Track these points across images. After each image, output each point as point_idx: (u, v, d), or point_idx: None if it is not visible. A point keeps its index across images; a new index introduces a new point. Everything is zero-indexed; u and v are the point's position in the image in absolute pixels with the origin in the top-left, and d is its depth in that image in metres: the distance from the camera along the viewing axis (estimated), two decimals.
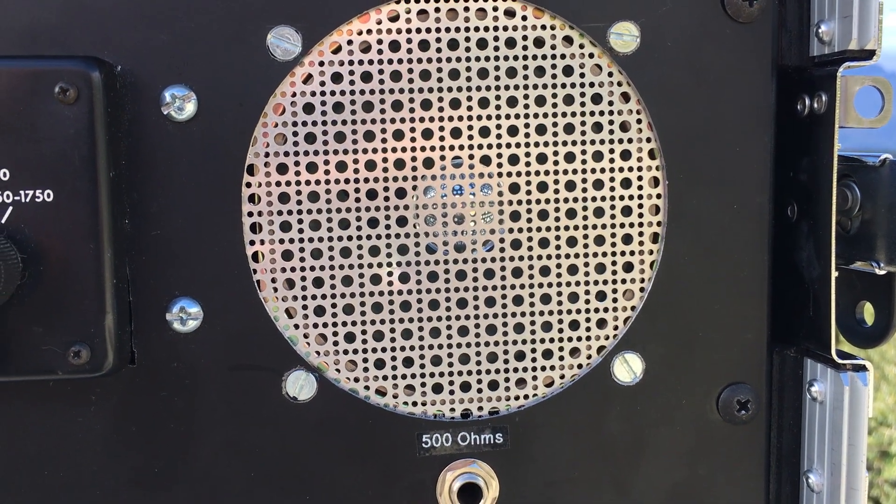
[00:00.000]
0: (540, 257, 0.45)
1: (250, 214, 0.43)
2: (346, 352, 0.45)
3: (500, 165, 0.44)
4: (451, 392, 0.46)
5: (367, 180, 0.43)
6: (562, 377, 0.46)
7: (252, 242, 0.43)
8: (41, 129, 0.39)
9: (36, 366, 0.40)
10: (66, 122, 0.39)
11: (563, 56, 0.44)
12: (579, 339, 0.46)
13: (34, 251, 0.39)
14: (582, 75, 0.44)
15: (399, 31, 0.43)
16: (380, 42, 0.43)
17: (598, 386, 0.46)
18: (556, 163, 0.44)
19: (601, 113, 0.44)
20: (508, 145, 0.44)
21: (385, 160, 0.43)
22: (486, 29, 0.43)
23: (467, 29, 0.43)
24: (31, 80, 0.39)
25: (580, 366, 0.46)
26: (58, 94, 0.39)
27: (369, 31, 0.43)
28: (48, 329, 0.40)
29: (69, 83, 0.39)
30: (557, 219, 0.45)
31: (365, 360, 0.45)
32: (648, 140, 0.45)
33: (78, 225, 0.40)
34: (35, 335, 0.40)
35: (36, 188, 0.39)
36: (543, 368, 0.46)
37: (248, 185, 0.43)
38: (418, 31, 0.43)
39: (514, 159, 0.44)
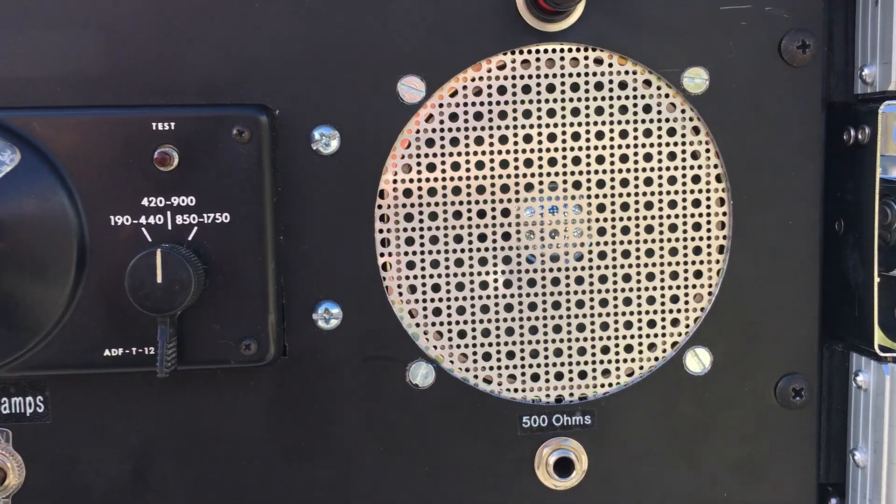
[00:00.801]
0: (622, 266, 0.53)
1: (381, 231, 0.52)
2: (458, 346, 0.53)
3: (589, 189, 0.52)
4: (547, 380, 0.54)
5: (477, 202, 0.52)
6: (641, 368, 0.54)
7: (382, 255, 0.52)
8: (221, 164, 0.48)
9: (215, 356, 0.49)
10: (241, 157, 0.48)
11: (643, 96, 0.52)
12: (656, 335, 0.54)
13: (214, 263, 0.48)
14: (659, 112, 0.52)
15: (505, 78, 0.51)
16: (489, 87, 0.51)
17: (672, 376, 0.54)
18: (636, 186, 0.52)
19: (675, 144, 0.52)
20: (596, 171, 0.52)
21: (493, 185, 0.52)
22: (579, 74, 0.51)
23: (563, 75, 0.51)
24: (214, 124, 0.48)
25: (656, 358, 0.54)
26: (235, 136, 0.48)
27: (481, 78, 0.51)
28: (224, 326, 0.49)
29: (244, 126, 0.48)
30: (637, 234, 0.53)
31: (474, 354, 0.53)
32: (716, 167, 0.52)
33: (249, 241, 0.49)
34: (214, 331, 0.49)
35: (216, 212, 0.48)
36: (625, 361, 0.54)
37: (379, 206, 0.51)
38: (521, 77, 0.51)
39: (601, 183, 0.52)
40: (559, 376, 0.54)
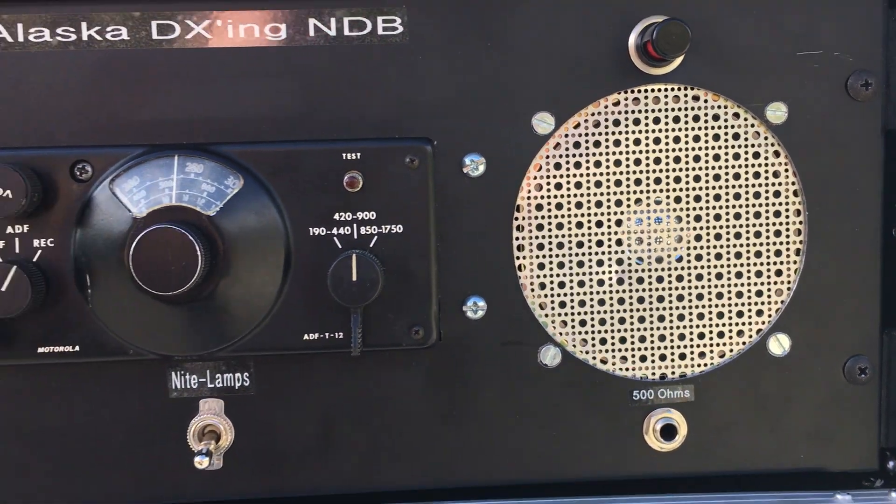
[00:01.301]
0: (715, 266, 0.64)
1: (517, 239, 0.63)
2: (579, 333, 0.64)
3: (687, 203, 0.63)
4: (653, 361, 0.65)
5: (595, 214, 0.63)
6: (731, 351, 0.65)
7: (518, 258, 0.63)
8: (396, 186, 0.60)
9: (390, 340, 0.61)
10: (412, 180, 0.60)
11: (732, 126, 0.63)
12: (743, 324, 0.65)
13: (389, 265, 0.60)
14: (746, 139, 0.63)
15: (619, 112, 0.62)
16: (606, 120, 0.62)
17: (757, 357, 0.65)
18: (727, 200, 0.63)
19: (759, 165, 0.63)
20: (693, 188, 0.63)
21: (608, 200, 0.63)
22: (680, 109, 0.63)
23: (666, 110, 0.62)
24: (391, 154, 0.60)
25: (744, 343, 0.65)
26: (407, 163, 0.60)
27: (599, 113, 0.62)
28: (398, 315, 0.61)
29: (414, 155, 0.60)
30: (728, 239, 0.64)
31: (593, 339, 0.64)
32: (793, 184, 0.63)
33: (417, 247, 0.60)
34: (390, 320, 0.61)
35: (392, 224, 0.60)
36: (718, 345, 0.65)
37: (516, 218, 0.63)
38: (632, 112, 0.62)
39: (697, 198, 0.63)
40: (663, 357, 0.65)
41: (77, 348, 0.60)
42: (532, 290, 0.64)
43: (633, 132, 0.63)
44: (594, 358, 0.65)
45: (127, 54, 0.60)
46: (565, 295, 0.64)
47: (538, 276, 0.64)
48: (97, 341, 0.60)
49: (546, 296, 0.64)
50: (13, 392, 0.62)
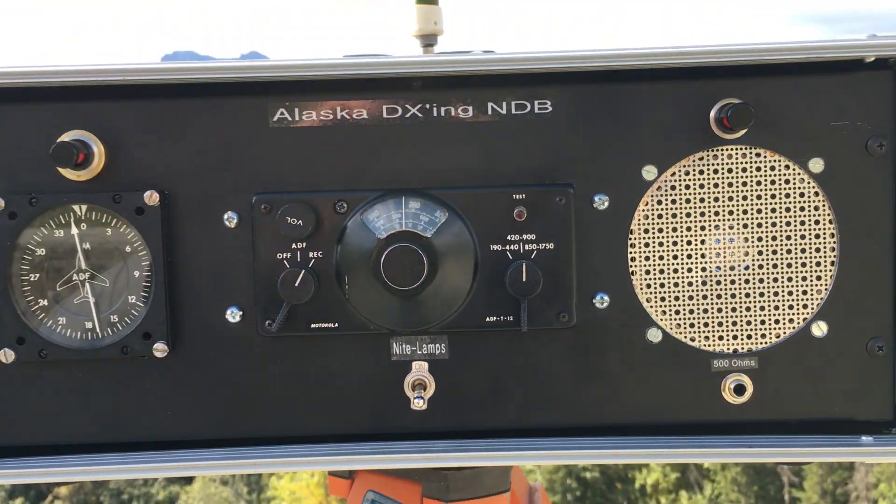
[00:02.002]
0: (771, 273, 0.90)
1: (630, 252, 0.90)
2: (675, 319, 0.91)
3: (752, 228, 0.90)
4: (728, 339, 0.91)
5: (686, 236, 0.90)
6: (784, 333, 0.91)
7: (630, 266, 0.90)
8: (549, 216, 0.88)
9: (545, 322, 0.89)
10: (560, 213, 0.88)
11: (784, 174, 0.89)
12: (793, 313, 0.91)
13: (545, 270, 0.88)
14: (794, 184, 0.89)
15: (703, 164, 0.89)
16: (693, 170, 0.89)
17: (803, 338, 0.90)
18: (780, 226, 0.89)
19: (804, 201, 0.89)
20: (756, 218, 0.89)
21: (696, 225, 0.90)
22: (747, 162, 0.89)
23: (737, 162, 0.89)
24: (546, 195, 0.88)
25: (794, 327, 0.91)
26: (557, 201, 0.88)
27: (689, 165, 0.89)
28: (550, 305, 0.89)
29: (561, 196, 0.88)
30: (781, 254, 0.90)
31: (685, 323, 0.91)
32: (829, 215, 0.89)
33: (563, 259, 0.88)
34: (545, 308, 0.89)
35: (547, 243, 0.88)
36: (774, 329, 0.91)
37: (630, 238, 0.90)
38: (712, 164, 0.89)
39: (759, 224, 0.90)
40: (735, 337, 0.91)
41: (336, 325, 0.89)
42: (641, 288, 0.91)
43: (713, 178, 0.89)
44: (685, 337, 0.91)
45: (367, 128, 0.90)
46: (665, 292, 0.91)
47: (645, 279, 0.91)
48: (349, 321, 0.89)
49: (651, 293, 0.91)
50: (294, 353, 0.92)
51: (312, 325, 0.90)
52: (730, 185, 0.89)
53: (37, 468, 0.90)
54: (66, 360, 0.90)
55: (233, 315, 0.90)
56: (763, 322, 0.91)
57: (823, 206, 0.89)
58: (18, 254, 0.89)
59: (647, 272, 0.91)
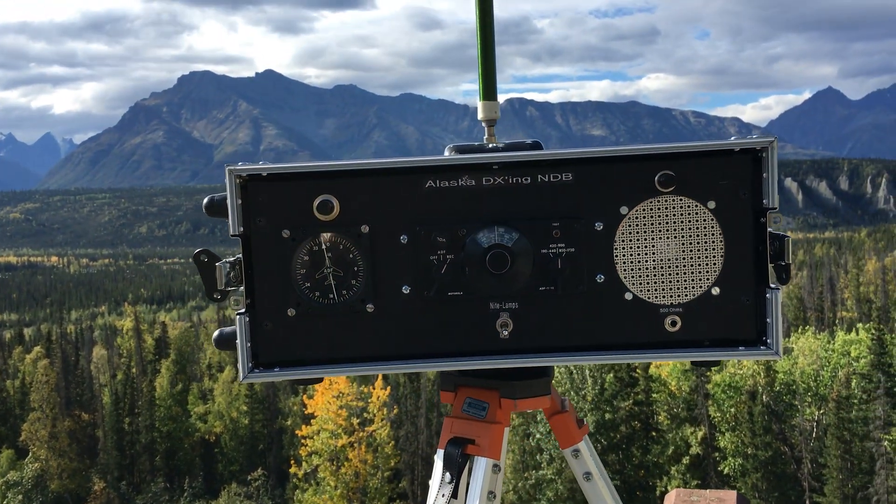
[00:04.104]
0: (690, 261, 1.69)
1: (614, 250, 1.69)
2: (639, 287, 1.70)
3: (677, 237, 1.69)
4: (668, 297, 1.70)
5: (642, 243, 1.69)
6: (698, 293, 1.70)
7: (614, 257, 1.69)
8: (570, 235, 1.67)
9: (569, 289, 1.69)
10: (576, 233, 1.67)
11: (692, 209, 1.69)
12: (702, 283, 1.70)
13: (568, 264, 1.67)
14: (699, 215, 1.68)
15: (652, 205, 1.69)
16: (647, 207, 1.69)
17: (707, 296, 1.69)
18: (694, 236, 1.69)
19: (706, 224, 1.69)
20: (678, 232, 1.69)
21: (648, 237, 1.69)
22: (674, 204, 1.68)
23: (668, 204, 1.68)
24: (569, 223, 1.67)
25: (702, 290, 1.70)
26: (575, 227, 1.67)
27: (644, 204, 1.69)
28: (573, 279, 1.68)
29: (579, 224, 1.67)
30: (696, 249, 1.69)
31: (645, 289, 1.70)
32: (719, 230, 1.68)
33: (578, 258, 1.68)
34: (570, 282, 1.68)
35: (570, 248, 1.67)
36: (693, 291, 1.70)
37: (613, 244, 1.69)
38: (656, 204, 1.69)
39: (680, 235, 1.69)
40: (671, 296, 1.70)
41: (461, 293, 1.69)
42: (622, 270, 1.70)
43: (659, 211, 1.70)
44: (647, 297, 1.71)
45: (471, 188, 1.69)
46: (634, 272, 1.70)
47: (623, 265, 1.70)
48: (468, 290, 1.69)
49: (627, 272, 1.71)
50: (439, 309, 1.71)
51: (449, 294, 1.69)
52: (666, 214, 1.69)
53: (307, 371, 1.71)
54: (320, 314, 1.71)
55: (405, 289, 1.71)
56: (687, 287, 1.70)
57: (715, 226, 1.68)
58: (295, 259, 1.70)
59: (624, 262, 1.70)
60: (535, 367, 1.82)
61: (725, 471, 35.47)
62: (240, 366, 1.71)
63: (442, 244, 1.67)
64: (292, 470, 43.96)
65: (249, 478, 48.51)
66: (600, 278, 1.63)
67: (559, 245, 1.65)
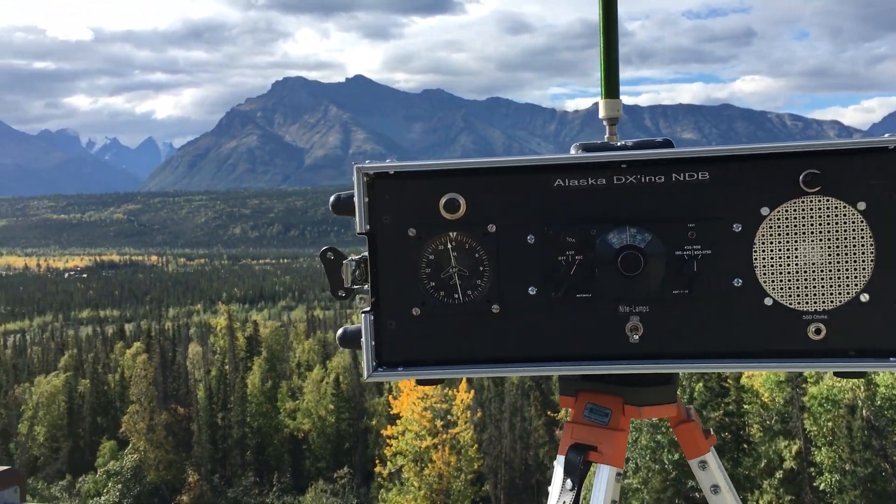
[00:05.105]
0: (839, 266, 1.60)
1: (753, 254, 1.61)
2: (780, 291, 1.62)
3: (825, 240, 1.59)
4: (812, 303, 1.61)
5: (783, 244, 1.60)
6: (845, 300, 1.60)
7: (753, 260, 1.61)
8: (707, 236, 1.60)
9: (706, 293, 1.61)
10: (714, 234, 1.60)
11: (841, 210, 1.59)
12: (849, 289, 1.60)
13: (705, 267, 1.60)
14: (848, 217, 1.58)
15: (795, 206, 1.60)
16: (790, 208, 1.60)
17: (855, 303, 1.59)
18: (842, 241, 1.59)
19: (854, 227, 1.59)
20: (825, 234, 1.59)
21: (789, 239, 1.60)
22: (819, 206, 1.59)
23: (812, 206, 1.59)
24: (706, 224, 1.60)
25: (850, 296, 1.60)
26: (715, 227, 1.60)
27: (787, 205, 1.60)
28: (711, 282, 1.61)
29: (717, 224, 1.60)
30: (845, 255, 1.59)
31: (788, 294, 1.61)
32: (870, 235, 1.58)
33: (717, 260, 1.60)
34: (709, 284, 1.61)
35: (706, 250, 1.60)
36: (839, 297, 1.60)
37: (753, 247, 1.61)
38: (799, 205, 1.60)
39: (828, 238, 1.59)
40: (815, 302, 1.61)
41: (590, 295, 1.64)
42: (761, 274, 1.62)
43: (801, 213, 1.61)
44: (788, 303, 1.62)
45: (602, 189, 1.64)
46: (774, 276, 1.61)
47: (763, 269, 1.62)
48: (597, 292, 1.64)
49: (766, 276, 1.62)
50: (566, 310, 1.66)
51: (577, 295, 1.65)
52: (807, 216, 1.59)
53: (430, 371, 1.69)
54: (444, 314, 1.69)
55: (532, 290, 1.67)
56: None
57: (865, 229, 1.57)
58: (421, 258, 1.68)
59: (765, 265, 1.61)
60: (662, 374, 1.75)
61: (822, 487, 34.00)
62: (364, 364, 1.71)
63: (571, 244, 1.62)
64: (377, 469, 44.50)
65: (335, 475, 49.38)
66: (738, 282, 1.55)
67: (695, 247, 1.58)
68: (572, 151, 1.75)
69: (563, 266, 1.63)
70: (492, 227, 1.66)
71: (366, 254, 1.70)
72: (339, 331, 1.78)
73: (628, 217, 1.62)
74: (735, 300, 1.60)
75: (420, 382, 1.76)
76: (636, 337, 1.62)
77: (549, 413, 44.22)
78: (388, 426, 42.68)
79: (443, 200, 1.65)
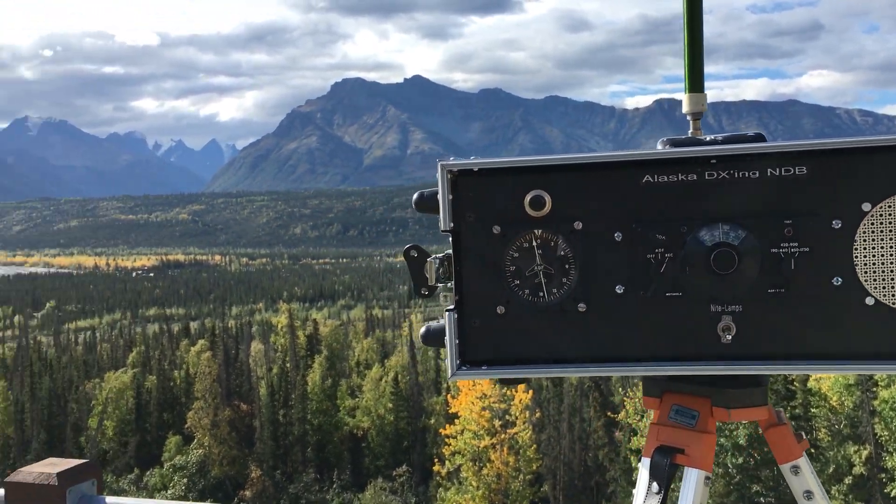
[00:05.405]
0: None
1: (853, 251, 1.54)
2: (882, 290, 1.54)
3: None
4: None
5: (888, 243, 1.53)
6: None
7: (854, 258, 1.54)
8: (804, 233, 1.53)
9: (803, 292, 1.55)
10: (812, 231, 1.54)
11: None
12: None
13: (803, 264, 1.54)
14: None
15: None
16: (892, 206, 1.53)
17: None
18: None
19: None
20: None
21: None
22: None
23: None
24: (804, 220, 1.54)
25: None
26: (812, 224, 1.54)
27: (889, 201, 1.53)
28: (812, 281, 1.55)
29: (815, 221, 1.54)
30: None
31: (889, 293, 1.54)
32: None
33: (817, 258, 1.54)
34: (808, 283, 1.55)
35: (804, 247, 1.54)
36: None
37: (853, 244, 1.54)
38: None
39: None
40: None
41: (680, 294, 1.60)
42: (862, 272, 1.54)
43: None
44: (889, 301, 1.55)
45: (692, 183, 1.59)
46: (876, 273, 1.54)
47: (864, 266, 1.54)
48: (688, 290, 1.59)
49: (867, 274, 1.55)
50: (655, 309, 1.62)
51: (667, 294, 1.61)
52: None
53: (515, 370, 1.67)
54: (529, 312, 1.66)
55: (619, 289, 1.63)
56: None
57: None
58: (505, 256, 1.66)
59: (866, 263, 1.54)
60: (753, 375, 1.70)
61: (893, 493, 32.86)
62: (448, 363, 1.69)
63: (660, 242, 1.58)
64: (435, 468, 44.63)
65: (394, 473, 49.72)
66: (837, 281, 1.49)
67: (791, 244, 1.52)
68: (659, 147, 1.70)
69: (653, 264, 1.59)
70: (578, 225, 1.63)
71: (449, 251, 1.69)
72: (422, 329, 1.77)
73: (720, 214, 1.57)
74: (834, 299, 1.54)
75: (504, 382, 1.74)
76: (729, 337, 1.57)
77: (608, 414, 43.74)
78: (447, 425, 42.79)
79: (528, 197, 1.62)
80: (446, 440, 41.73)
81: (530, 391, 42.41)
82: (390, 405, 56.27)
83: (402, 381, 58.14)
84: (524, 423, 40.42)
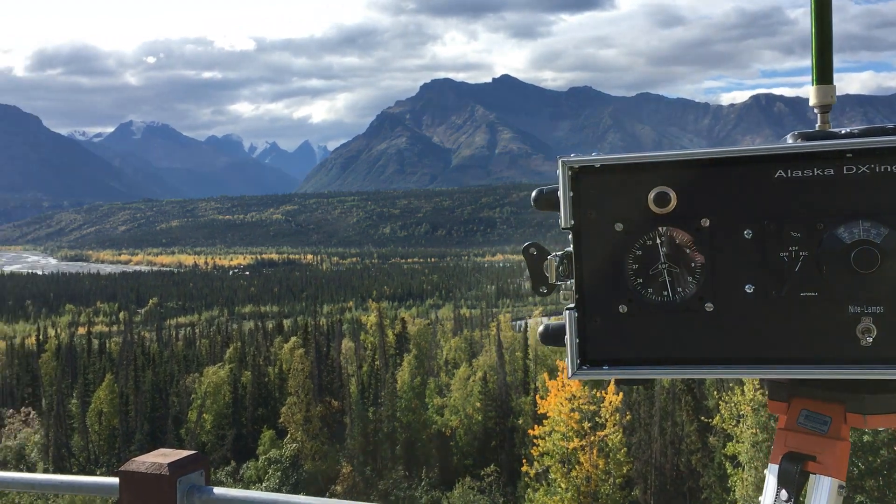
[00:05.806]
0: None
1: None
2: None
3: None
4: None
5: None
6: None
7: None
8: None
9: None
10: None
11: None
12: None
13: None
14: None
15: None
16: None
17: None
18: None
19: None
20: None
21: None
22: None
23: None
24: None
25: None
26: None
27: None
28: None
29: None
30: None
31: None
32: None
33: None
34: None
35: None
36: None
37: None
38: None
39: None
40: None
41: (816, 294, 1.52)
42: None
43: None
44: None
45: (828, 178, 1.52)
46: None
47: None
48: (825, 291, 1.52)
49: None
50: (787, 310, 1.54)
51: (801, 294, 1.54)
52: None
53: (637, 371, 1.63)
54: (653, 312, 1.62)
55: (749, 288, 1.57)
56: None
57: None
58: (628, 253, 1.63)
59: None
60: (891, 381, 1.61)
61: None
62: (568, 362, 1.67)
63: (795, 240, 1.51)
64: (523, 469, 44.42)
65: (482, 473, 49.76)
66: None
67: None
68: (790, 141, 1.64)
69: (786, 263, 1.52)
70: (705, 222, 1.57)
71: (569, 249, 1.67)
72: (540, 327, 1.75)
73: (860, 210, 1.49)
74: None
75: (624, 383, 1.70)
76: (869, 339, 1.49)
77: (701, 418, 42.59)
78: (535, 426, 42.52)
79: (652, 194, 1.58)
80: (534, 441, 41.48)
81: (620, 393, 41.70)
82: (478, 404, 56.36)
83: (491, 380, 58.14)
84: (614, 425, 39.77)
